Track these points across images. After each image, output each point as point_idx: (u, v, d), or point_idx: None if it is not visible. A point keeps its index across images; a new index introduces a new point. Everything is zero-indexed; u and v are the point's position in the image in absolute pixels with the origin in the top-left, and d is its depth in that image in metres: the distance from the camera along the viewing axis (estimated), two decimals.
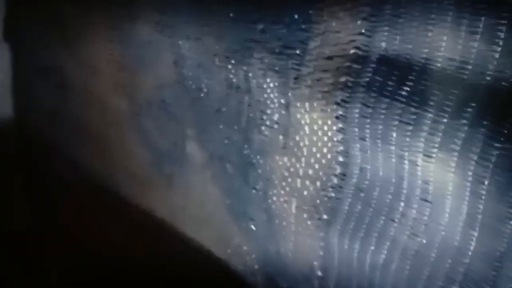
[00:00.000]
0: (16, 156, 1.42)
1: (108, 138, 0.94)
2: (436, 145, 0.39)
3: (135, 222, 0.92)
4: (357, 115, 0.45)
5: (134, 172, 0.90)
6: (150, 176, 0.85)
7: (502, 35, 0.34)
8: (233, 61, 0.61)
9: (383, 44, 0.42)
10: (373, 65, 0.43)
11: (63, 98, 1.10)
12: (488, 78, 0.35)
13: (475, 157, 0.36)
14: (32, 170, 1.42)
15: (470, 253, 0.39)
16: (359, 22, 0.43)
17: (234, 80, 0.62)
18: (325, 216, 0.52)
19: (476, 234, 0.38)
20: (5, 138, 1.38)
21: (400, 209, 0.44)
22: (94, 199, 1.09)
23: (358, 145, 0.46)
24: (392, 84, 0.42)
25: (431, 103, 0.39)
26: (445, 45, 0.38)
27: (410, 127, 0.41)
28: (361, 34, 0.43)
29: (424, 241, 0.42)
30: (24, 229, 1.42)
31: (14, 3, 1.13)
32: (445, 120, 0.38)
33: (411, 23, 0.39)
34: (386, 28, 0.41)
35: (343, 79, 0.46)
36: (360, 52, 0.44)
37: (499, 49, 0.34)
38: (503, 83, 0.34)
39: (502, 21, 0.34)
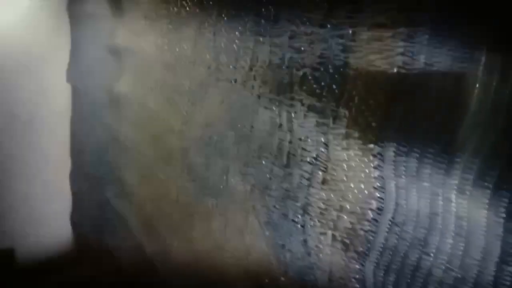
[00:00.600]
0: None
1: (159, 170, 1.01)
2: (470, 182, 0.41)
3: (177, 248, 0.96)
4: (393, 153, 0.48)
5: (180, 201, 0.95)
6: (195, 205, 0.90)
7: None
8: (277, 103, 0.66)
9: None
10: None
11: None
12: None
13: (509, 194, 0.38)
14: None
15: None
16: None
17: (277, 120, 0.67)
18: (360, 249, 0.54)
19: (511, 269, 0.39)
20: None
21: (436, 243, 0.45)
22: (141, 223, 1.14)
23: (394, 182, 0.49)
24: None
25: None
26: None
27: (444, 165, 0.43)
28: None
29: (459, 275, 0.43)
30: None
31: None
32: (478, 159, 0.41)
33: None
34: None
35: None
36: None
37: None
38: None
39: None
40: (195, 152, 0.88)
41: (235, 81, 0.75)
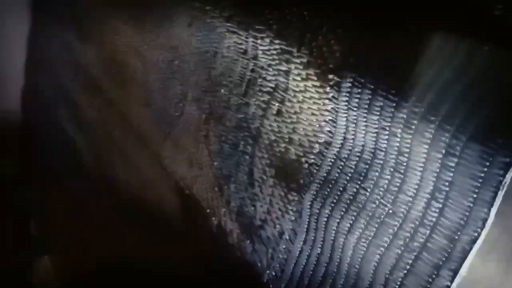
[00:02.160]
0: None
1: (117, 93, 0.96)
2: (417, 117, 0.41)
3: (124, 175, 0.94)
4: (349, 84, 0.47)
5: (134, 127, 0.92)
6: (149, 133, 0.87)
7: None
8: (245, 27, 0.63)
9: None
10: None
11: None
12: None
13: (452, 129, 0.38)
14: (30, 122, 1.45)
15: (431, 224, 0.41)
16: None
17: (242, 46, 0.64)
18: (301, 181, 0.54)
19: (440, 206, 0.40)
20: None
21: (374, 178, 0.45)
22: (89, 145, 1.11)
23: (346, 115, 0.48)
24: None
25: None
26: None
27: (396, 98, 0.42)
28: None
29: (390, 211, 0.44)
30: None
31: None
32: (429, 93, 0.40)
33: None
34: None
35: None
36: None
37: None
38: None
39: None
40: (154, 76, 0.85)
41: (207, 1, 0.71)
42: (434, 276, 0.39)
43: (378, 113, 0.45)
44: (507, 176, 0.34)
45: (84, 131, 1.16)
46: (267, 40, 0.59)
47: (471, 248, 0.37)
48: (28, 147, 1.46)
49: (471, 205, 0.37)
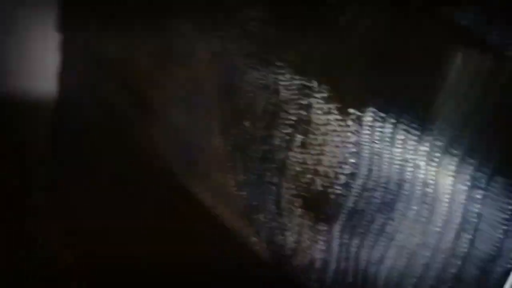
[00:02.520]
0: None
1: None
2: (439, 150, 0.42)
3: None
4: (371, 119, 0.49)
5: (160, 160, 0.95)
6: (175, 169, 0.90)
7: None
8: (264, 63, 0.66)
9: None
10: None
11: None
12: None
13: (475, 162, 0.39)
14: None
15: (463, 256, 0.41)
16: None
17: (263, 81, 0.66)
18: (330, 212, 0.55)
19: (470, 237, 0.40)
20: None
21: (401, 209, 0.46)
22: None
23: (369, 148, 0.50)
24: None
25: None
26: None
27: (417, 132, 0.44)
28: None
29: (420, 241, 0.45)
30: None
31: None
32: (450, 127, 0.41)
33: None
34: None
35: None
36: None
37: None
38: None
39: None
40: (178, 111, 0.88)
41: (225, 38, 0.74)
42: None
43: (401, 146, 0.46)
44: None
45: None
46: (287, 76, 0.61)
47: (505, 280, 0.37)
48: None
49: (502, 236, 0.38)
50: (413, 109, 0.44)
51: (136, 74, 1.04)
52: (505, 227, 0.37)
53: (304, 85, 0.58)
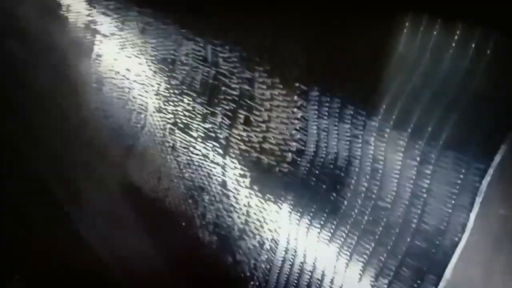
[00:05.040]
0: None
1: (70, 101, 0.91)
2: (389, 125, 0.40)
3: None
4: (317, 93, 0.46)
5: (94, 143, 0.87)
6: (110, 147, 0.83)
7: None
8: (202, 33, 0.60)
9: None
10: None
11: None
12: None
13: (424, 138, 0.38)
14: None
15: (412, 230, 0.41)
16: None
17: (201, 53, 0.61)
18: (276, 191, 0.53)
19: (418, 212, 0.40)
20: None
21: (351, 186, 0.45)
22: None
23: (316, 123, 0.47)
24: None
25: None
26: None
27: (367, 107, 0.42)
28: None
29: (370, 218, 0.44)
30: None
31: None
32: (399, 102, 0.40)
33: None
34: None
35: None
36: None
37: None
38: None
39: None
40: (110, 87, 0.80)
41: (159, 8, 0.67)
42: (419, 281, 0.40)
43: (349, 122, 0.44)
44: (483, 182, 0.34)
45: (39, 145, 1.09)
46: (227, 47, 0.56)
47: (453, 252, 0.37)
48: None
49: (450, 211, 0.37)
50: (360, 82, 0.42)
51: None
52: (453, 201, 0.37)
53: (245, 57, 0.54)
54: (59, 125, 0.99)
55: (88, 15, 0.84)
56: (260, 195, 0.56)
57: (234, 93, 0.57)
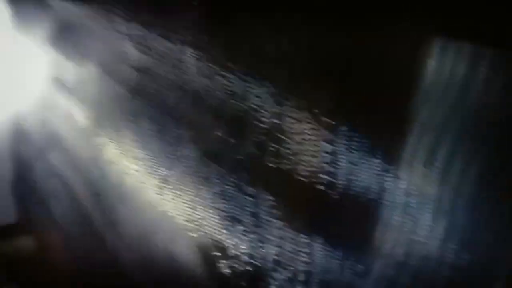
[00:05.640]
0: None
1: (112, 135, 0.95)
2: (420, 160, 0.40)
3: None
4: (346, 128, 0.47)
5: (130, 171, 0.91)
6: (146, 175, 0.86)
7: None
8: (231, 70, 0.63)
9: None
10: None
11: None
12: None
13: (460, 170, 0.38)
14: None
15: (449, 266, 0.40)
16: None
17: (231, 87, 0.63)
18: (309, 222, 0.53)
19: (455, 247, 0.40)
20: None
21: (384, 220, 0.45)
22: None
23: (346, 157, 0.48)
24: None
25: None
26: None
27: (396, 142, 0.42)
28: None
29: (406, 251, 0.43)
30: None
31: None
32: (429, 138, 0.40)
33: None
34: None
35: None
36: None
37: None
38: None
39: None
40: (147, 118, 0.84)
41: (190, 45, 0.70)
42: None
43: (379, 156, 0.44)
44: None
45: (78, 175, 1.15)
46: (257, 84, 0.58)
47: None
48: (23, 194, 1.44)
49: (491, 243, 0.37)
50: (390, 118, 0.43)
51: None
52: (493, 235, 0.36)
53: (274, 92, 0.55)
54: (100, 154, 1.04)
55: None
56: (292, 226, 0.56)
57: (264, 126, 0.59)
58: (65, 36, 1.14)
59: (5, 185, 1.47)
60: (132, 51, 0.88)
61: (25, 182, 1.42)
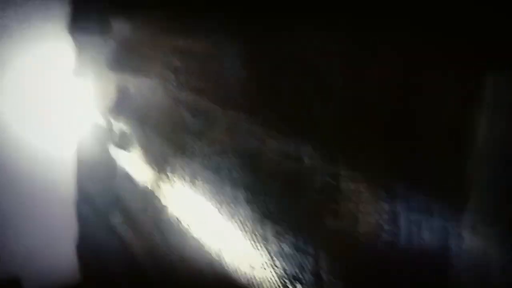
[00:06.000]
0: None
1: (168, 194, 1.00)
2: (482, 219, 0.41)
3: None
4: (403, 188, 0.49)
5: (188, 235, 0.95)
6: (204, 238, 0.90)
7: None
8: (284, 135, 0.67)
9: None
10: None
11: None
12: None
13: None
14: None
15: None
16: None
17: (284, 149, 0.67)
18: (372, 283, 0.54)
19: None
20: None
21: (448, 279, 0.45)
22: None
23: (405, 216, 0.49)
24: None
25: None
26: None
27: (456, 201, 0.43)
28: None
29: None
30: None
31: None
32: (491, 195, 0.41)
33: None
34: None
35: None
36: None
37: None
38: None
39: None
40: (203, 179, 0.89)
41: (242, 109, 0.76)
42: None
43: (439, 215, 0.45)
44: None
45: (138, 237, 1.20)
46: (309, 146, 0.62)
47: None
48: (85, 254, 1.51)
49: None
50: (449, 176, 0.44)
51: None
52: None
53: (328, 154, 0.58)
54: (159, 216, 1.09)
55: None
56: (353, 286, 0.57)
57: (319, 185, 0.61)
58: (123, 104, 1.25)
59: (69, 244, 1.55)
60: (187, 115, 0.95)
61: (88, 242, 1.49)
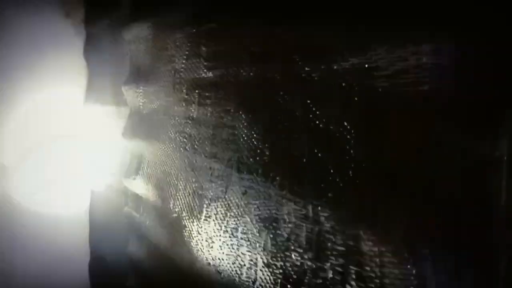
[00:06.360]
0: None
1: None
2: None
3: None
4: (428, 251, 0.47)
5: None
6: None
7: None
8: (302, 196, 0.67)
9: None
10: None
11: None
12: None
13: None
14: None
15: None
16: None
17: (303, 211, 0.67)
18: None
19: None
20: None
21: None
22: None
23: (434, 280, 0.48)
24: None
25: None
26: None
27: (482, 264, 0.42)
28: None
29: None
30: None
31: None
32: None
33: None
34: None
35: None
36: None
37: None
38: None
39: None
40: (220, 244, 0.88)
41: (257, 173, 0.76)
42: None
43: (468, 277, 0.44)
44: None
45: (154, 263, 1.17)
46: (327, 206, 0.61)
47: None
48: None
49: None
50: (472, 239, 0.43)
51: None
52: None
53: (346, 217, 0.58)
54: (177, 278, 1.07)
55: (195, 182, 0.97)
56: None
57: (341, 248, 0.60)
58: (138, 169, 1.27)
59: (83, 268, 1.54)
60: (202, 180, 0.95)
61: (101, 265, 1.47)
